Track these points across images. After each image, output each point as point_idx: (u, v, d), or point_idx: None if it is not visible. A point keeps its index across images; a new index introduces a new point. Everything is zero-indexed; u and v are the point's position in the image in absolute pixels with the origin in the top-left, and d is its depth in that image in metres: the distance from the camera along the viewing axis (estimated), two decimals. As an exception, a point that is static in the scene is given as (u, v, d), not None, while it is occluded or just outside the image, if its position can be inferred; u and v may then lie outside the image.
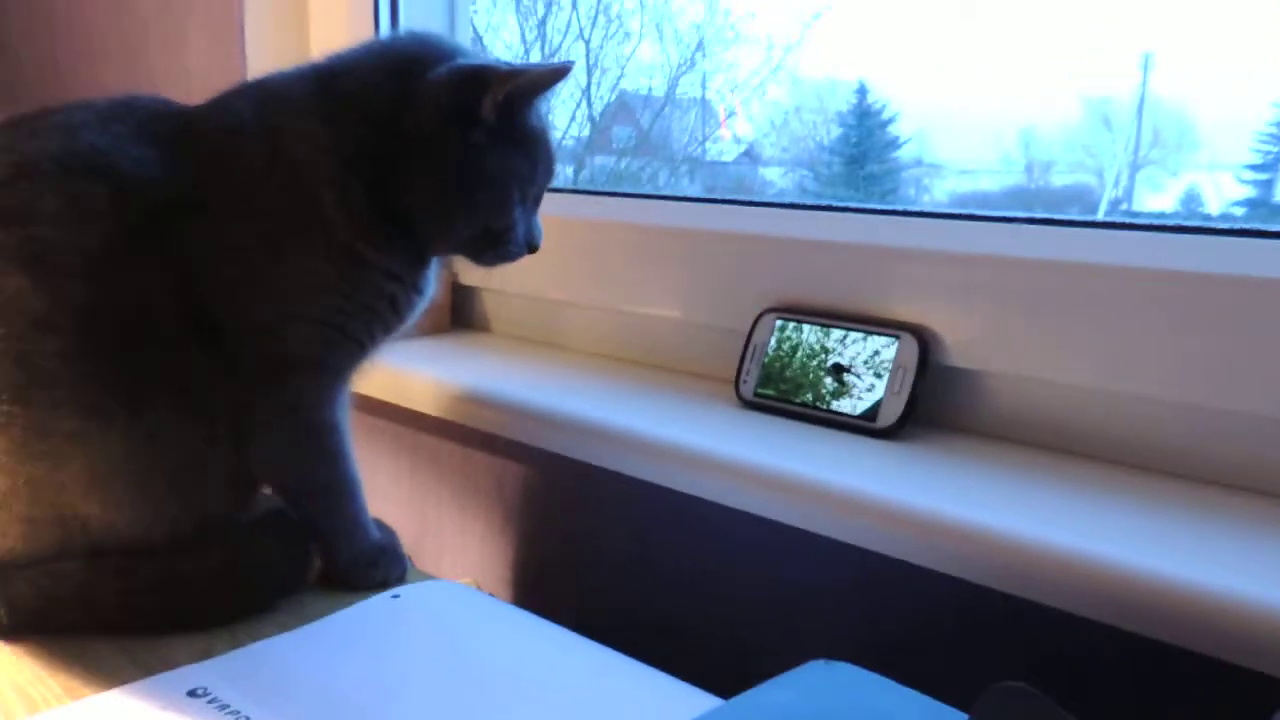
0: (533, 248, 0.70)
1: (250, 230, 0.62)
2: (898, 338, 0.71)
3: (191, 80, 1.13)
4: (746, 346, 0.78)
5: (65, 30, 1.31)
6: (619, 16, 1.17)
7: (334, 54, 0.67)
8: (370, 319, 0.66)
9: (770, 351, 0.77)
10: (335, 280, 0.64)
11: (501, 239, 0.67)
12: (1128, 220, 0.71)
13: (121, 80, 1.22)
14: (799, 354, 0.76)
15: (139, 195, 0.60)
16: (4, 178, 0.59)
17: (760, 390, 0.77)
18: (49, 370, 0.58)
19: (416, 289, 0.69)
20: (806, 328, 0.76)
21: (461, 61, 0.64)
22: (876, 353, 0.72)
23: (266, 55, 1.07)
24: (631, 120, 1.25)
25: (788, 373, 0.76)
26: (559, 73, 0.65)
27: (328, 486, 0.67)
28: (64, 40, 1.32)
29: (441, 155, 0.63)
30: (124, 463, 0.60)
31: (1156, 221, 0.68)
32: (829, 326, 0.75)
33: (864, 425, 0.70)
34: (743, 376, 0.78)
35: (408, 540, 0.72)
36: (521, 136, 0.66)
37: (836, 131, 1.04)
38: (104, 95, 0.67)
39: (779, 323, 0.78)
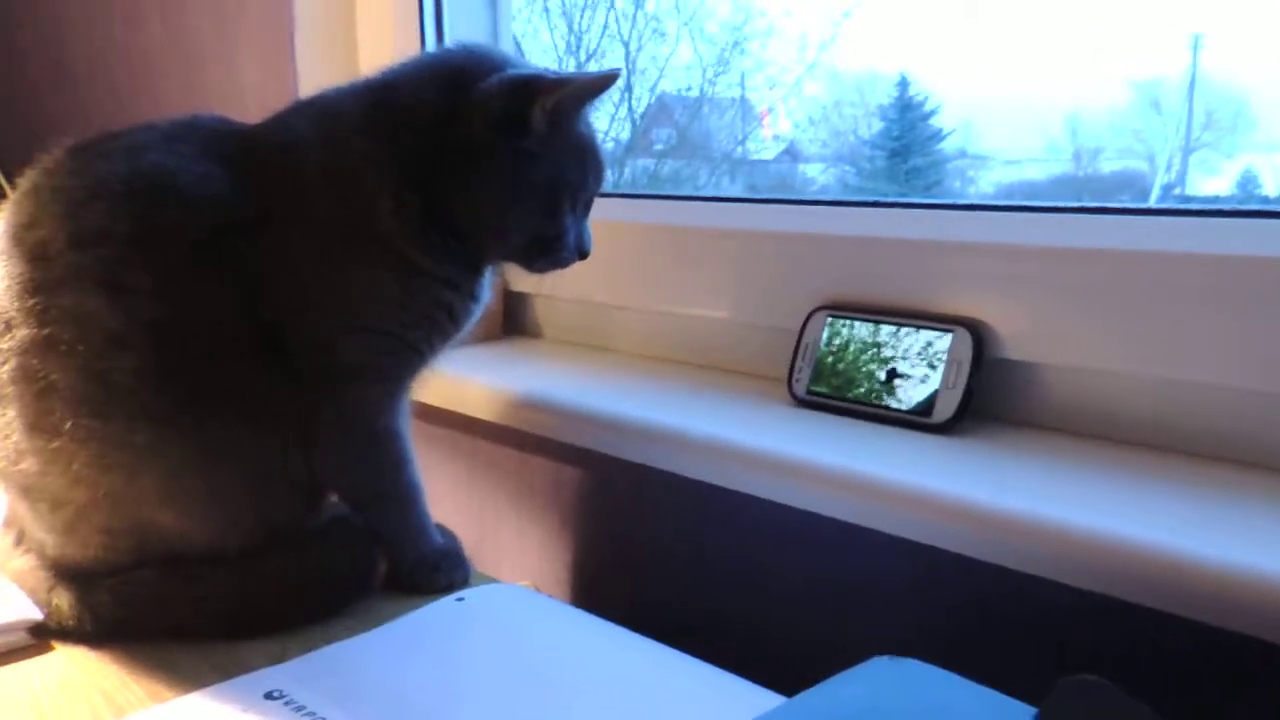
0: (583, 254, 0.70)
1: (311, 243, 0.64)
2: (951, 331, 0.71)
3: (246, 97, 1.16)
4: (798, 345, 0.78)
5: (125, 54, 1.35)
6: (655, 18, 1.18)
7: (386, 69, 0.69)
8: (429, 327, 0.68)
9: (822, 349, 0.77)
10: (394, 290, 0.65)
11: (553, 246, 0.69)
12: (1180, 205, 0.70)
13: (179, 99, 1.26)
14: (851, 350, 0.76)
15: (204, 213, 0.62)
16: (77, 200, 0.61)
17: (813, 388, 0.77)
18: (124, 386, 0.60)
19: (473, 296, 0.70)
20: (858, 324, 0.76)
21: (510, 71, 0.65)
22: (930, 345, 0.72)
23: (317, 72, 1.10)
24: (670, 121, 1.26)
25: (840, 369, 0.76)
26: (606, 80, 0.66)
27: (391, 493, 0.69)
28: (123, 63, 1.36)
29: (493, 164, 0.65)
30: (196, 472, 0.62)
31: (1209, 206, 0.67)
32: (881, 322, 0.75)
33: (919, 420, 0.70)
34: (795, 374, 0.78)
35: (467, 544, 0.74)
36: (570, 144, 0.67)
37: (878, 125, 1.03)
38: (162, 114, 0.69)
39: (830, 320, 0.78)
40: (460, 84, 0.65)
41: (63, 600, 0.63)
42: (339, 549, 0.69)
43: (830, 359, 0.77)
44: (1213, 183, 0.84)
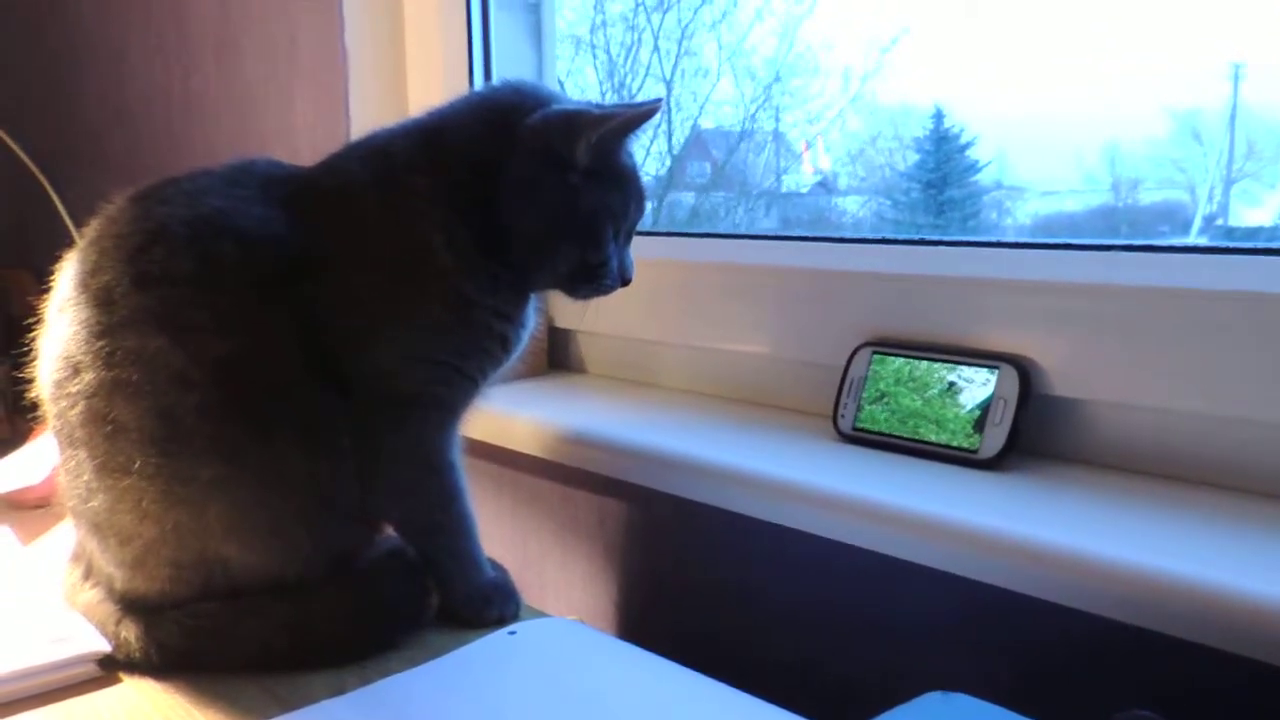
0: (625, 280, 0.72)
1: (369, 280, 0.66)
2: (997, 368, 0.71)
3: (298, 139, 1.19)
4: (843, 381, 0.79)
5: (180, 96, 1.39)
6: (695, 52, 1.20)
7: (434, 109, 0.71)
8: (483, 356, 0.70)
9: (868, 385, 0.78)
10: (451, 322, 0.67)
11: (597, 274, 0.70)
12: (1223, 239, 0.70)
13: (233, 140, 1.29)
14: (897, 387, 0.76)
15: (264, 253, 0.64)
16: (140, 244, 0.63)
17: (859, 423, 0.78)
18: (190, 423, 0.61)
19: (521, 324, 0.72)
20: (904, 360, 0.77)
21: (555, 107, 0.67)
22: (976, 382, 0.72)
23: (369, 114, 1.13)
24: (708, 156, 1.28)
25: (886, 405, 0.76)
26: (648, 113, 0.68)
27: (445, 524, 0.70)
28: (179, 105, 1.40)
29: (540, 196, 0.67)
30: (260, 504, 0.64)
31: (1252, 244, 0.67)
32: (926, 359, 0.76)
33: (967, 456, 0.71)
34: (840, 410, 0.79)
35: (511, 577, 0.75)
36: (614, 175, 0.69)
37: (913, 158, 1.04)
38: (216, 154, 0.72)
39: (875, 356, 0.79)
40: (507, 121, 0.67)
41: (130, 633, 0.65)
42: (392, 582, 0.70)
43: (876, 395, 0.77)
44: (1255, 213, 0.84)
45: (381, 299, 0.66)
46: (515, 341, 0.72)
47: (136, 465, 0.61)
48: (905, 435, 0.75)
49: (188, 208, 0.65)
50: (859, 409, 0.78)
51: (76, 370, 0.62)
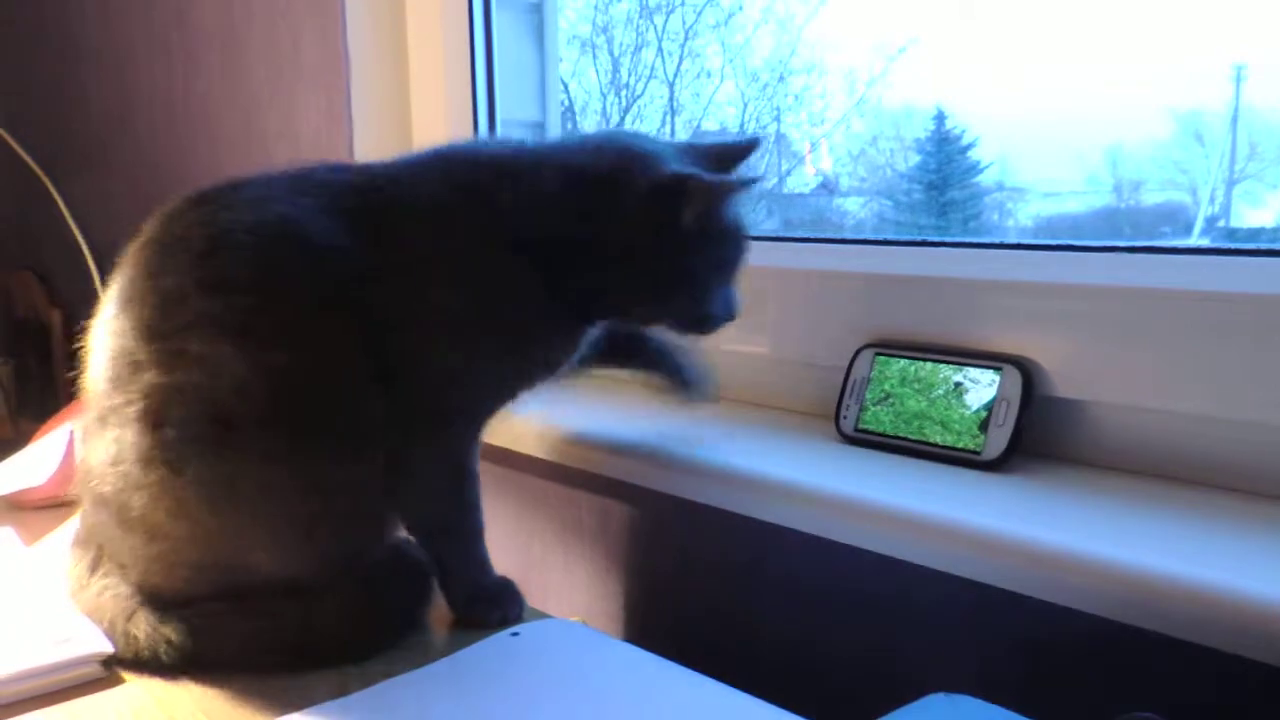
0: (732, 318, 0.73)
1: (436, 303, 0.66)
2: (1000, 370, 0.71)
3: (301, 141, 1.20)
4: (846, 381, 0.79)
5: (185, 99, 1.39)
6: (698, 54, 1.20)
7: (533, 143, 0.71)
8: (530, 380, 0.71)
9: (871, 386, 0.78)
10: (509, 353, 0.69)
11: (704, 324, 0.72)
12: (1225, 240, 0.70)
13: (237, 143, 1.30)
14: (899, 388, 0.77)
15: (327, 263, 0.64)
16: (204, 249, 0.63)
17: (861, 425, 0.78)
18: (245, 430, 0.61)
19: (574, 354, 0.73)
20: (906, 362, 0.77)
21: (664, 171, 0.67)
22: (979, 383, 0.72)
23: (370, 115, 1.13)
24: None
25: (888, 406, 0.77)
26: (752, 180, 0.69)
27: (463, 528, 0.71)
28: (182, 107, 1.40)
29: (645, 260, 0.68)
30: (299, 512, 0.64)
31: (1255, 245, 0.67)
32: (929, 360, 0.76)
33: (970, 457, 0.71)
34: (843, 411, 0.79)
35: (514, 579, 0.75)
36: (719, 233, 0.69)
37: (915, 159, 1.04)
38: (220, 157, 0.72)
39: (878, 357, 0.79)
40: (611, 184, 0.67)
41: (139, 629, 0.65)
42: (396, 582, 0.70)
43: (880, 396, 0.77)
44: (1257, 214, 0.84)
45: (446, 322, 0.66)
46: (561, 367, 0.73)
47: (186, 467, 0.61)
48: (910, 436, 0.75)
49: (253, 215, 0.65)
50: (862, 410, 0.78)
51: (137, 367, 0.62)
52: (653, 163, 0.67)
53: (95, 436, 0.65)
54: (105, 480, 0.64)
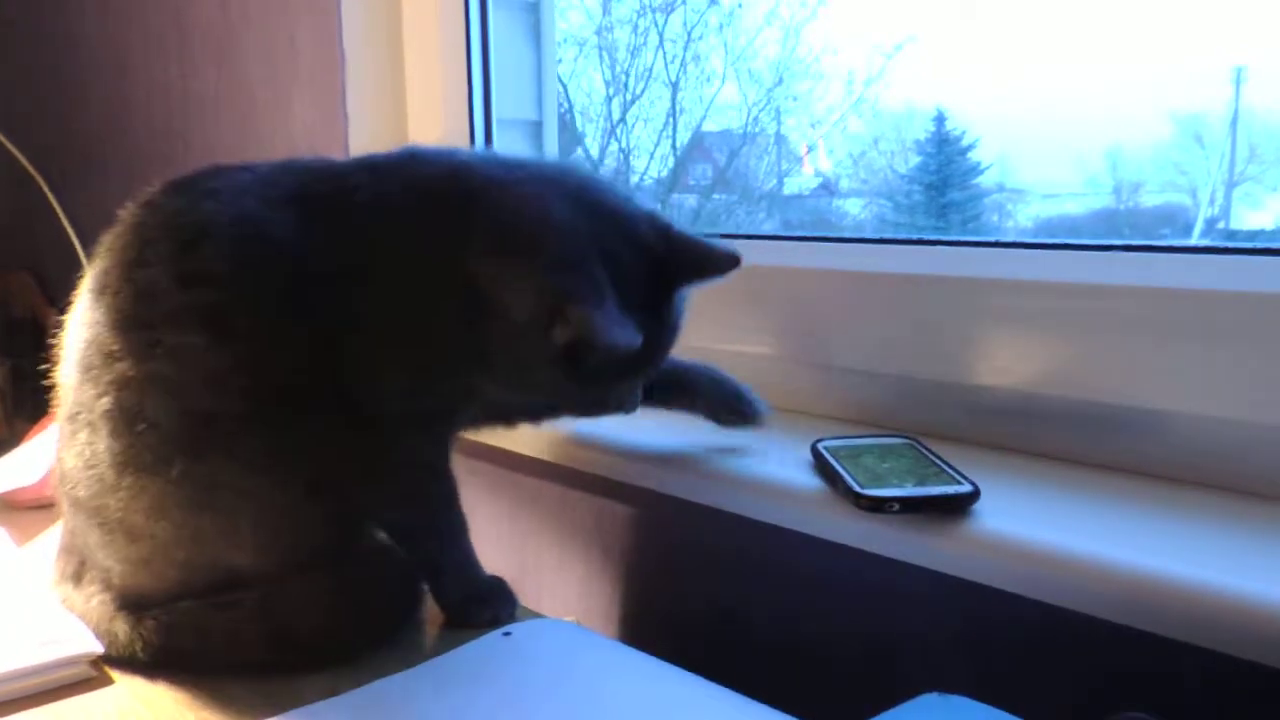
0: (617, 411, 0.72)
1: (395, 305, 0.64)
2: (996, 369, 0.71)
3: (297, 139, 1.20)
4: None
5: (181, 96, 1.39)
6: (701, 56, 1.20)
7: (505, 163, 0.68)
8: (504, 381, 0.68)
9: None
10: (476, 350, 0.65)
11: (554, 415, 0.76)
12: (1225, 241, 0.70)
13: (233, 140, 1.30)
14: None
15: (298, 261, 0.63)
16: (186, 240, 0.62)
17: (856, 424, 0.77)
18: (223, 428, 0.61)
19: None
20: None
21: (556, 282, 0.61)
22: (974, 384, 0.72)
23: (366, 114, 1.13)
24: (710, 159, 1.28)
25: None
26: (648, 364, 0.68)
27: (443, 527, 0.70)
28: (178, 107, 1.40)
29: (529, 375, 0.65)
30: (281, 512, 0.63)
31: (1255, 244, 0.66)
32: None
33: (965, 457, 0.70)
34: (839, 411, 0.78)
35: (508, 579, 0.74)
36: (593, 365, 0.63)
37: (915, 160, 1.04)
38: (216, 154, 0.71)
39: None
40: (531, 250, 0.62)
41: (120, 629, 0.64)
42: (384, 580, 0.70)
43: (873, 395, 0.77)
44: (1257, 216, 0.83)
45: (405, 325, 0.64)
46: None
47: (163, 467, 0.60)
48: (909, 437, 0.74)
49: (233, 207, 0.64)
50: (858, 410, 0.77)
51: (110, 358, 0.61)
52: (568, 262, 0.61)
53: (68, 438, 0.65)
54: (80, 484, 0.64)
